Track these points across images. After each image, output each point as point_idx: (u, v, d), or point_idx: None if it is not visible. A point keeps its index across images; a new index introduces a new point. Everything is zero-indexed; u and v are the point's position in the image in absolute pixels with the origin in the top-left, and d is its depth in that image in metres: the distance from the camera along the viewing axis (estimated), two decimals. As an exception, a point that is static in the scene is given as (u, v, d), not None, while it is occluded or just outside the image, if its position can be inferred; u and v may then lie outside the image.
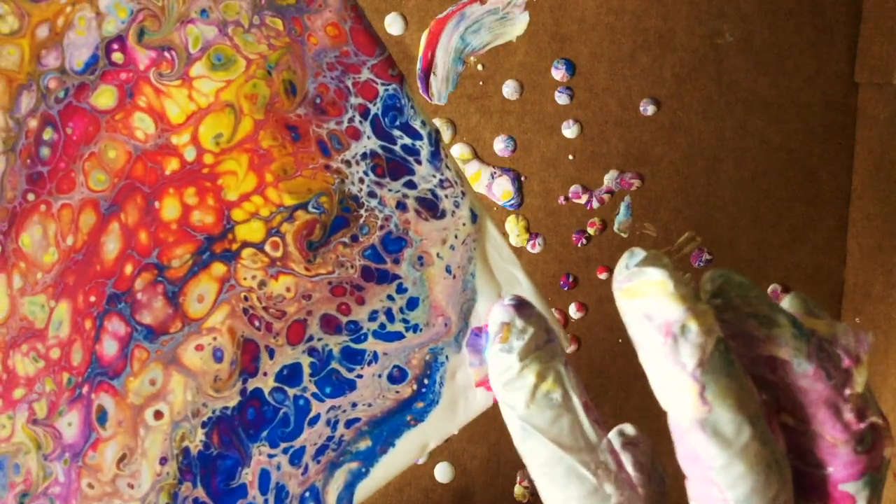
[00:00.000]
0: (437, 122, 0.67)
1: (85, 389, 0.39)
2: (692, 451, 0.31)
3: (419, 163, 0.39)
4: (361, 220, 0.39)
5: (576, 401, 0.33)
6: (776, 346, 0.32)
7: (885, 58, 0.67)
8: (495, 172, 0.69)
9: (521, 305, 0.34)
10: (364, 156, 0.39)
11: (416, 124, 0.39)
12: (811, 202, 0.72)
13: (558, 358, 0.34)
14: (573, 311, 0.71)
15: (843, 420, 0.32)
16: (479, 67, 0.68)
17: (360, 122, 0.39)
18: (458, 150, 0.69)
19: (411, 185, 0.40)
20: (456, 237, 0.40)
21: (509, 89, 0.68)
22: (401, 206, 0.40)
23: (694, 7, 0.69)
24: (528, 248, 0.70)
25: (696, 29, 0.69)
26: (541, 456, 0.33)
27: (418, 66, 0.67)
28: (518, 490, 0.71)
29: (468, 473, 0.71)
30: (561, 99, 0.69)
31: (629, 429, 0.39)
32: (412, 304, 0.40)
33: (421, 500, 0.72)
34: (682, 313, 0.30)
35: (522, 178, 0.69)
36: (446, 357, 0.40)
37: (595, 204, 0.70)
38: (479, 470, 0.71)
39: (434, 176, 0.39)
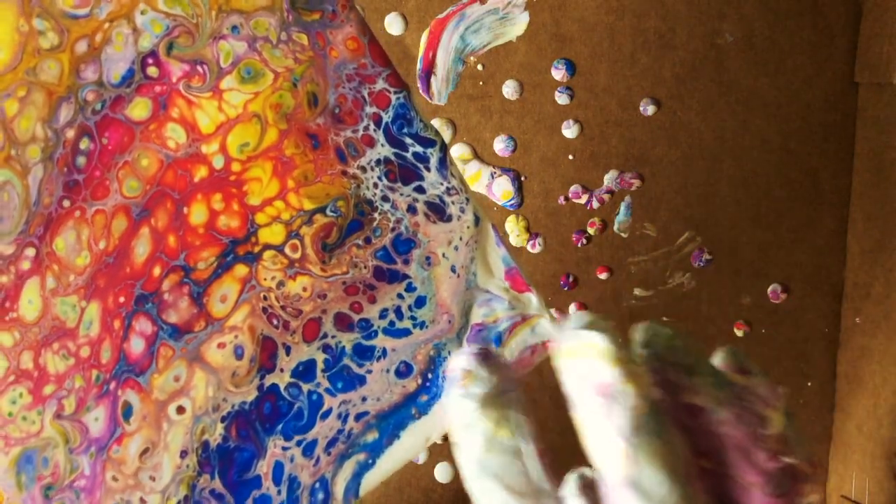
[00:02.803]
0: (437, 122, 0.71)
1: (112, 386, 0.43)
2: None
3: (428, 170, 0.44)
4: (375, 223, 0.44)
5: (528, 449, 0.37)
6: (695, 393, 0.36)
7: (885, 58, 0.70)
8: (495, 172, 0.72)
9: (484, 355, 0.39)
10: (378, 162, 0.44)
11: (425, 134, 0.44)
12: (811, 202, 0.75)
13: (516, 407, 0.38)
14: (573, 311, 0.74)
15: (755, 463, 0.35)
16: (479, 67, 0.71)
17: (374, 130, 0.43)
18: (458, 150, 0.72)
19: (421, 189, 0.44)
20: (461, 239, 0.44)
21: (509, 89, 0.72)
22: (411, 209, 0.44)
23: (694, 7, 0.72)
24: (528, 248, 0.74)
25: (696, 29, 0.72)
26: (492, 498, 0.37)
27: (419, 66, 0.71)
28: (518, 491, 0.75)
29: (468, 474, 0.75)
30: (561, 99, 0.72)
31: (588, 472, 0.43)
32: (420, 302, 0.44)
33: (421, 500, 0.75)
34: (619, 376, 0.34)
35: (522, 178, 0.73)
36: (448, 352, 0.44)
37: (595, 204, 0.74)
38: (480, 471, 0.75)
39: (441, 183, 0.44)
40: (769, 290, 0.76)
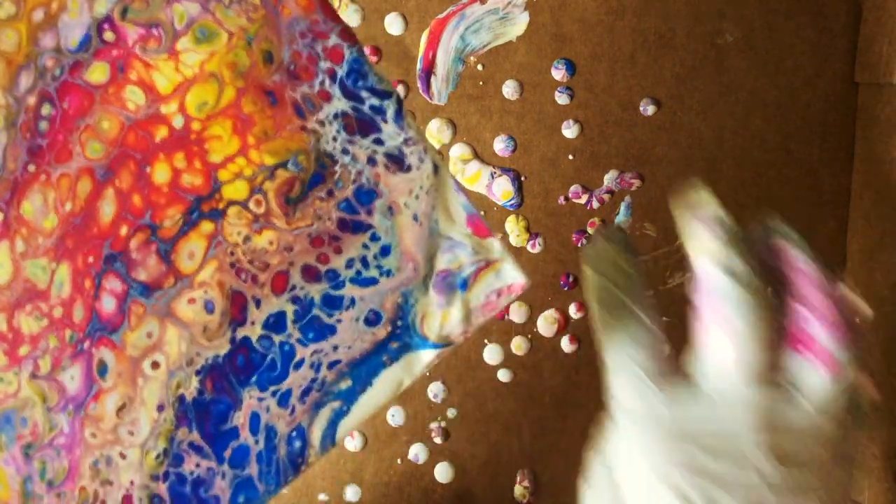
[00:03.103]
0: (437, 122, 0.72)
1: (86, 344, 0.44)
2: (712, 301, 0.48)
3: (385, 122, 0.45)
4: (336, 176, 0.45)
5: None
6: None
7: (885, 58, 0.70)
8: (495, 172, 0.73)
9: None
10: (336, 116, 0.45)
11: (380, 86, 0.45)
12: (811, 202, 0.75)
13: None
14: (573, 311, 0.74)
15: (823, 293, 0.48)
16: (479, 67, 0.72)
17: (330, 84, 0.45)
18: (458, 150, 0.73)
19: (379, 141, 0.45)
20: (421, 188, 0.45)
21: (509, 89, 0.72)
22: (371, 161, 0.45)
23: (694, 7, 0.72)
24: (528, 248, 0.74)
25: (696, 29, 0.73)
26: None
27: (419, 66, 0.72)
28: (518, 490, 0.75)
29: (468, 473, 0.75)
30: (561, 99, 0.73)
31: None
32: (385, 251, 0.45)
33: (421, 500, 0.75)
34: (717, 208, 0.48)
35: (522, 178, 0.73)
36: (416, 299, 0.46)
37: (595, 204, 0.74)
38: (479, 470, 0.75)
39: (399, 134, 0.45)
40: (769, 290, 0.76)
